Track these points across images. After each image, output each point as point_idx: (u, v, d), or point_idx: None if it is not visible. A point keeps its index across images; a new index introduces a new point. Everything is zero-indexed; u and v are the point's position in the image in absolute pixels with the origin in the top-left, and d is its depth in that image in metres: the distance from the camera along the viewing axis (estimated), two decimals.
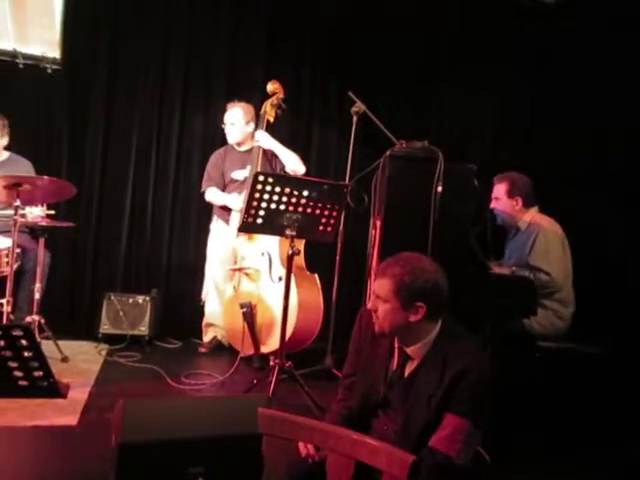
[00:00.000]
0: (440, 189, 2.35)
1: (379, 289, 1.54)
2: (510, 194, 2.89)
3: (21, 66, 3.80)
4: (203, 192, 3.70)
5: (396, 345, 1.60)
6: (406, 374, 1.57)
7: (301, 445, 1.57)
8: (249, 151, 3.62)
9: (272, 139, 3.54)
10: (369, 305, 1.58)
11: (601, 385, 2.62)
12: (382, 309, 1.53)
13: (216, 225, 3.71)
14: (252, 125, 3.64)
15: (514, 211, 2.91)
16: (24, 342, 1.25)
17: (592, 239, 3.37)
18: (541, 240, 2.78)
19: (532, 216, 2.91)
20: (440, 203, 2.34)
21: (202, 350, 3.68)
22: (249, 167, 3.55)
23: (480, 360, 1.50)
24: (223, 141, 3.81)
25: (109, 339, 3.60)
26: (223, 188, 3.65)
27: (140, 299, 3.73)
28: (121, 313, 3.64)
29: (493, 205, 2.96)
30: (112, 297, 3.69)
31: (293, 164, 3.55)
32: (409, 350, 1.56)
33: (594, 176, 3.69)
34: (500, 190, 2.92)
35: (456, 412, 1.43)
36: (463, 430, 1.42)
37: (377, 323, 1.56)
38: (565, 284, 2.77)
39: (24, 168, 3.41)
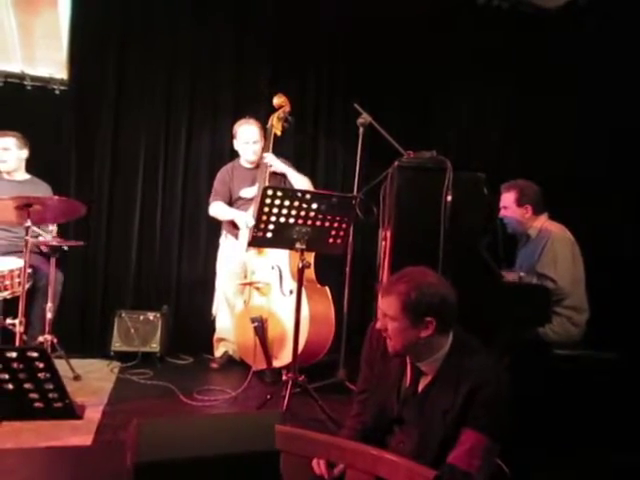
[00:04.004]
0: (450, 198, 2.34)
1: (387, 308, 1.52)
2: (519, 202, 2.88)
3: (29, 88, 3.86)
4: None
5: (408, 361, 1.58)
6: (420, 390, 1.55)
7: (314, 463, 1.55)
8: (257, 168, 3.63)
9: (281, 162, 3.55)
10: (378, 325, 1.56)
11: (618, 390, 2.58)
12: (392, 328, 1.51)
13: (225, 240, 3.71)
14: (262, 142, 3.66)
15: (524, 219, 2.89)
16: (39, 364, 1.25)
17: (605, 244, 3.35)
18: (550, 247, 2.76)
19: (542, 223, 2.90)
20: (450, 212, 2.33)
21: (214, 365, 3.66)
22: (257, 185, 3.55)
23: (495, 373, 1.48)
24: (230, 157, 3.83)
25: (121, 356, 3.59)
26: (229, 205, 3.65)
27: (151, 316, 3.73)
28: (132, 330, 3.64)
29: (502, 214, 2.94)
30: (123, 314, 3.69)
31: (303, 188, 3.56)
32: (422, 365, 1.54)
33: (606, 178, 3.66)
34: (509, 199, 2.91)
35: (474, 427, 1.41)
36: (482, 445, 1.40)
37: (389, 343, 1.54)
38: (573, 291, 2.74)
39: (43, 190, 3.47)
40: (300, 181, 3.55)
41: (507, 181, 2.98)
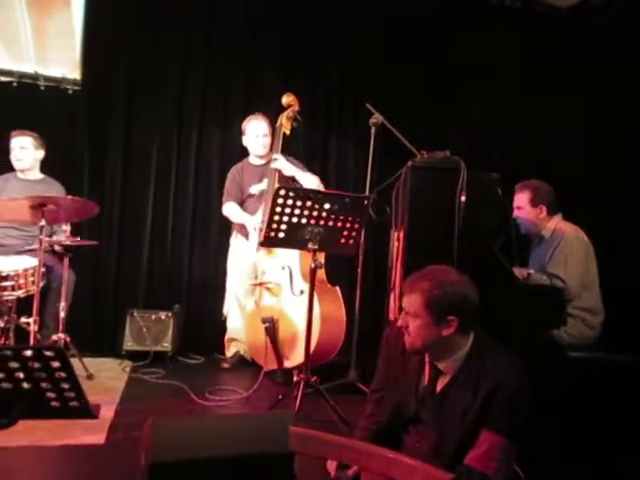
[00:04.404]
0: (463, 199, 2.32)
1: (409, 305, 1.52)
2: (533, 202, 2.85)
3: (42, 88, 3.89)
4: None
5: (427, 360, 1.58)
6: (438, 389, 1.55)
7: (329, 464, 1.55)
8: (266, 165, 3.64)
9: (290, 165, 3.54)
10: (399, 322, 1.56)
11: (634, 393, 2.55)
12: (413, 325, 1.51)
13: (236, 240, 3.72)
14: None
15: (538, 219, 2.86)
16: (56, 363, 1.24)
17: (619, 244, 3.31)
18: (562, 247, 2.73)
19: (556, 223, 2.87)
20: (464, 213, 2.32)
21: (225, 365, 3.67)
22: (266, 180, 3.56)
23: (516, 374, 1.47)
24: (242, 156, 3.84)
25: (133, 355, 3.61)
26: (242, 203, 3.67)
27: (163, 315, 3.74)
28: (144, 329, 3.66)
29: (516, 214, 2.91)
30: (135, 314, 3.71)
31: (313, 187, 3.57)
32: (441, 365, 1.54)
33: (620, 177, 3.62)
34: (523, 199, 2.88)
35: (492, 429, 1.40)
36: (500, 447, 1.39)
37: (408, 340, 1.54)
38: (583, 292, 2.71)
39: (57, 190, 3.50)
40: (309, 180, 3.55)
41: (520, 181, 2.95)
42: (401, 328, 1.55)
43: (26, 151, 3.46)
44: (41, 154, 3.54)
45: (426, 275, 1.52)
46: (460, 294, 1.48)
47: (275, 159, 3.52)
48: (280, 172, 3.53)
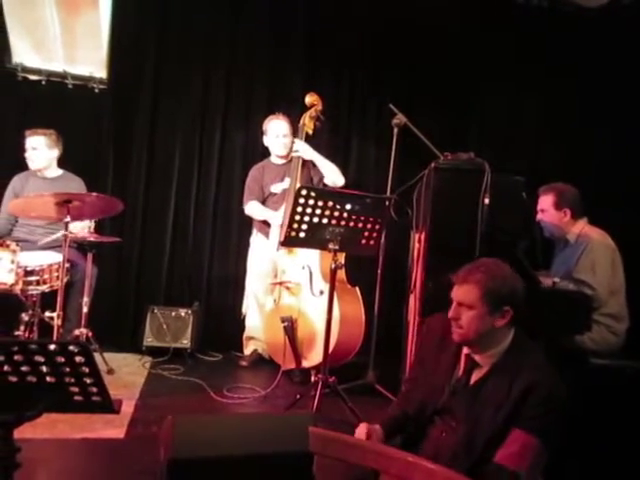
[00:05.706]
0: (487, 201, 2.30)
1: (463, 296, 1.53)
2: (558, 206, 2.80)
3: (70, 86, 3.96)
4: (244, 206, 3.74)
5: (464, 352, 1.58)
6: (472, 382, 1.55)
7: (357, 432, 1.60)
8: (288, 164, 3.65)
9: (312, 150, 3.56)
10: (450, 314, 1.56)
11: None
12: (467, 316, 1.52)
13: (256, 239, 3.74)
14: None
15: (562, 223, 2.81)
16: (81, 358, 1.26)
17: None
18: (587, 253, 2.68)
19: (581, 228, 2.81)
20: (487, 215, 2.29)
21: (243, 363, 3.69)
22: (287, 179, 3.58)
23: (553, 376, 1.47)
24: (263, 156, 3.85)
25: (152, 351, 3.65)
26: (263, 202, 3.68)
27: (182, 312, 3.77)
28: (164, 326, 3.69)
29: (540, 217, 2.87)
30: (155, 310, 3.75)
31: (332, 176, 3.58)
32: (478, 357, 1.54)
33: None
34: (547, 202, 2.83)
35: (526, 428, 1.39)
36: (532, 448, 1.38)
37: (459, 332, 1.54)
38: (610, 299, 2.65)
39: (76, 185, 3.53)
40: (328, 167, 3.57)
41: (545, 184, 2.90)
42: (450, 320, 1.56)
43: (38, 152, 3.45)
44: (55, 153, 3.52)
45: (480, 267, 1.55)
46: (512, 286, 1.53)
47: (296, 150, 3.53)
48: (303, 170, 3.54)
